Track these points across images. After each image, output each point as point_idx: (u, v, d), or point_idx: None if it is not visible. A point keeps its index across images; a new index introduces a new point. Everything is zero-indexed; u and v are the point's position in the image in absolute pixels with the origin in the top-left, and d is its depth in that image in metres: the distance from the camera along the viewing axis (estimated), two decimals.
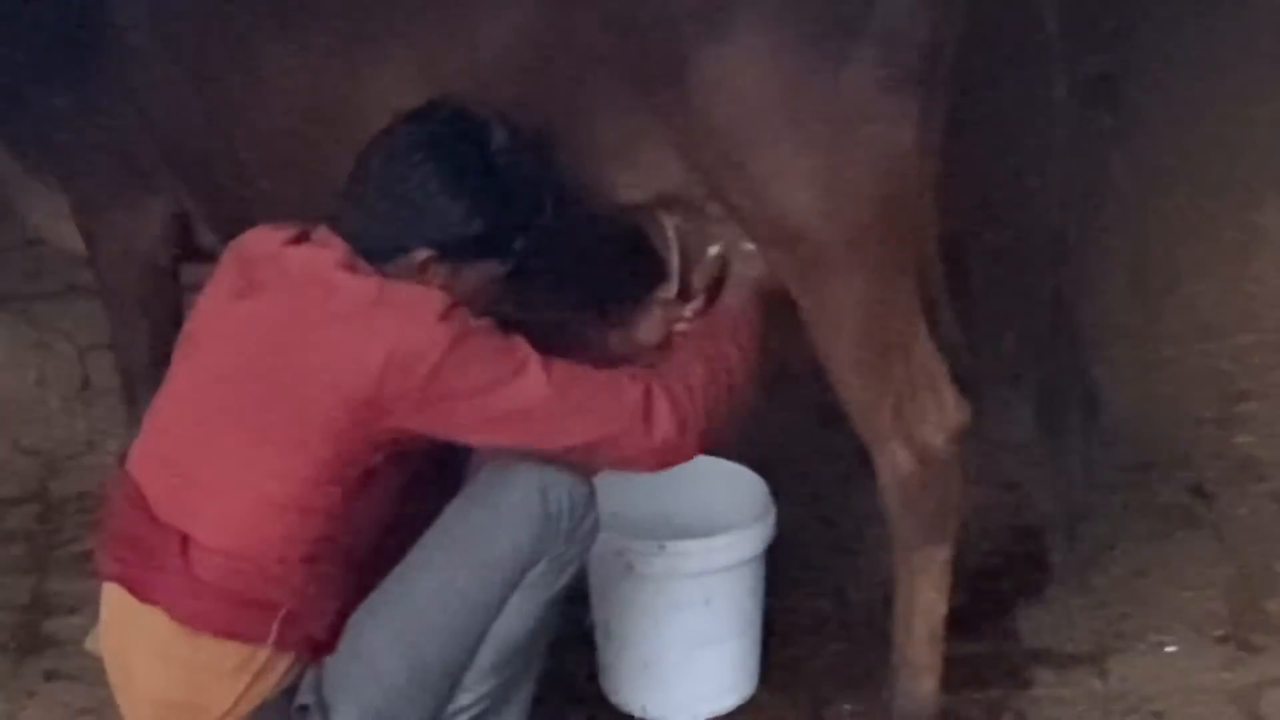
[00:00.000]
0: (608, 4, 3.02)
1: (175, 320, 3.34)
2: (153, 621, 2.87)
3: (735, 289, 3.20)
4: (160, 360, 3.21)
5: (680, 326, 3.22)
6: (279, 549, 2.86)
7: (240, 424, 2.87)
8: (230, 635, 2.85)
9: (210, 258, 3.22)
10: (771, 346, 3.23)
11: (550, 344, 2.99)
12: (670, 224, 3.19)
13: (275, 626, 2.85)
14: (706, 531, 3.45)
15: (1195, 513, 4.03)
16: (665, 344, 3.23)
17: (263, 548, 2.85)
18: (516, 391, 2.83)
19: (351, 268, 2.86)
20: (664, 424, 2.90)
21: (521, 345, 2.87)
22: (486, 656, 2.97)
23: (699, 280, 3.22)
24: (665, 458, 2.99)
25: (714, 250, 3.20)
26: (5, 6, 3.56)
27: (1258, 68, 4.47)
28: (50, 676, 3.64)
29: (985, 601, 3.60)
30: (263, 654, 2.87)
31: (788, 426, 3.61)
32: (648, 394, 2.91)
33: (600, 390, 2.92)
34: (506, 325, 2.95)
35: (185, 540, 2.84)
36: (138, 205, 3.63)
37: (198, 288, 3.16)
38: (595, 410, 2.91)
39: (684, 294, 3.25)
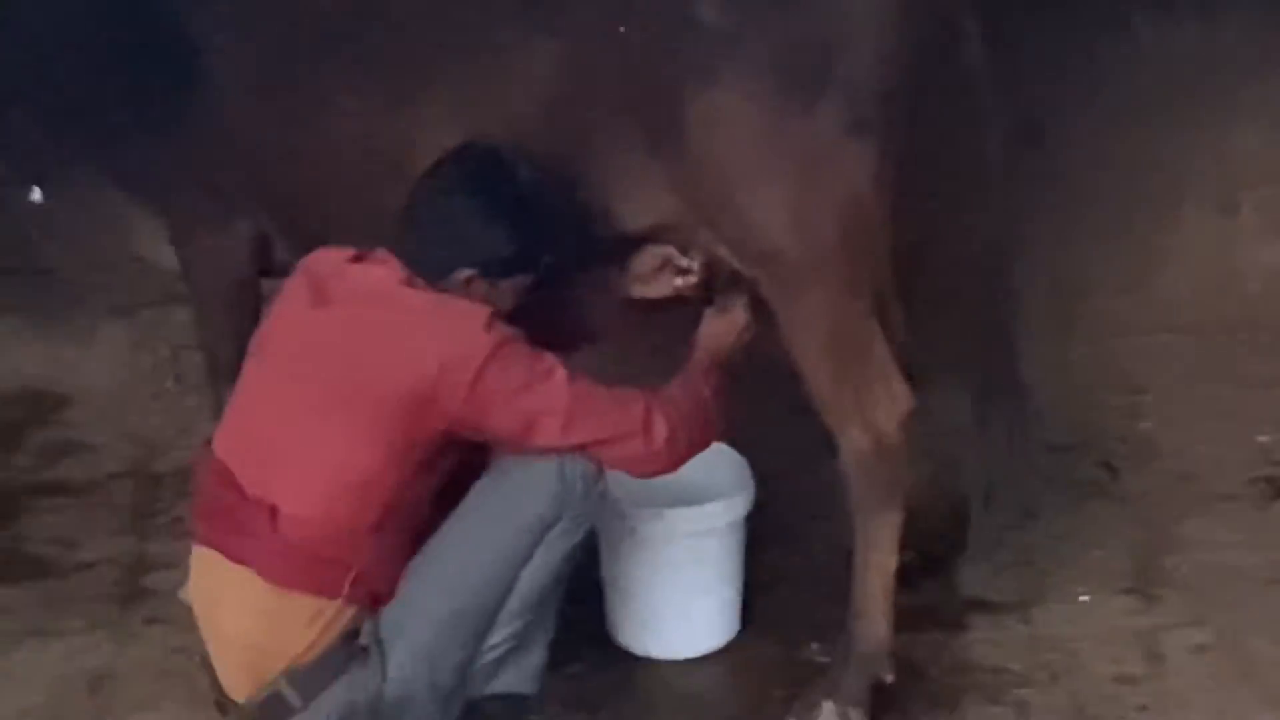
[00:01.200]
0: (615, 62, 3.15)
1: (255, 326, 3.33)
2: (243, 579, 3.01)
3: (711, 324, 3.38)
4: (240, 359, 3.26)
5: (682, 281, 3.36)
6: (352, 519, 3.00)
7: (316, 415, 3.01)
8: (310, 591, 3.00)
9: (285, 273, 3.30)
10: (755, 347, 3.38)
11: (569, 332, 3.26)
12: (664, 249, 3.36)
13: (347, 584, 3.00)
14: (698, 500, 3.55)
15: (1105, 486, 4.16)
16: (673, 298, 3.38)
17: (338, 518, 2.99)
18: (544, 392, 3.00)
19: (410, 284, 3.04)
20: (659, 436, 3.08)
21: (549, 356, 3.04)
22: (514, 602, 3.12)
23: (695, 253, 3.34)
24: (654, 465, 3.16)
25: (694, 260, 3.34)
26: (114, 64, 3.57)
27: (1157, 114, 4.56)
28: (149, 621, 3.70)
29: (928, 560, 3.64)
30: (334, 607, 3.01)
31: (766, 413, 3.68)
32: (649, 410, 3.09)
33: (611, 400, 3.10)
34: (539, 333, 3.09)
35: (273, 511, 2.99)
36: (225, 229, 3.68)
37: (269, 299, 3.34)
38: (606, 415, 3.07)
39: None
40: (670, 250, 3.37)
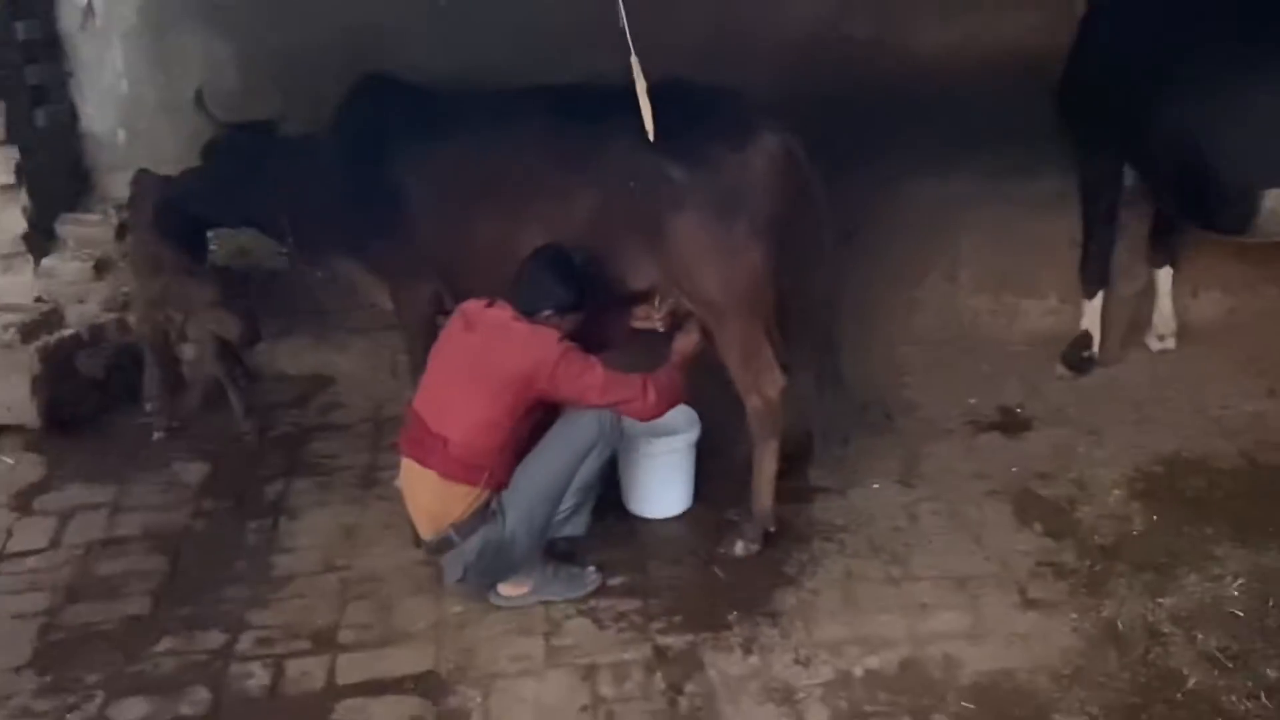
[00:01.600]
0: (628, 201, 3.17)
1: (433, 340, 3.23)
2: (427, 476, 3.02)
3: (676, 357, 3.25)
4: (426, 359, 3.20)
5: (657, 316, 3.30)
6: (487, 443, 2.99)
7: (467, 388, 3.00)
8: (464, 482, 3.00)
9: (449, 313, 3.27)
10: (704, 355, 3.30)
11: (601, 340, 3.17)
12: (656, 298, 3.32)
13: (484, 478, 3.01)
14: (670, 433, 3.50)
15: (886, 425, 4.01)
16: (653, 332, 3.32)
17: (479, 443, 2.99)
18: (589, 378, 2.99)
19: (517, 319, 3.02)
20: (650, 398, 3.04)
21: (591, 357, 3.01)
22: (574, 486, 3.11)
23: (664, 308, 3.31)
24: (649, 414, 3.08)
25: (669, 300, 3.29)
26: (365, 202, 3.53)
27: (914, 226, 4.40)
28: (378, 498, 3.66)
29: (792, 464, 3.54)
30: (477, 491, 3.01)
31: (707, 387, 3.45)
32: (645, 384, 3.04)
33: (625, 380, 3.04)
34: (585, 344, 3.05)
35: (444, 440, 2.99)
36: (418, 288, 3.62)
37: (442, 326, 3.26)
38: (622, 388, 3.03)
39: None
40: (654, 304, 3.32)
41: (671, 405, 3.18)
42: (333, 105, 3.64)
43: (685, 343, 3.30)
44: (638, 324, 3.37)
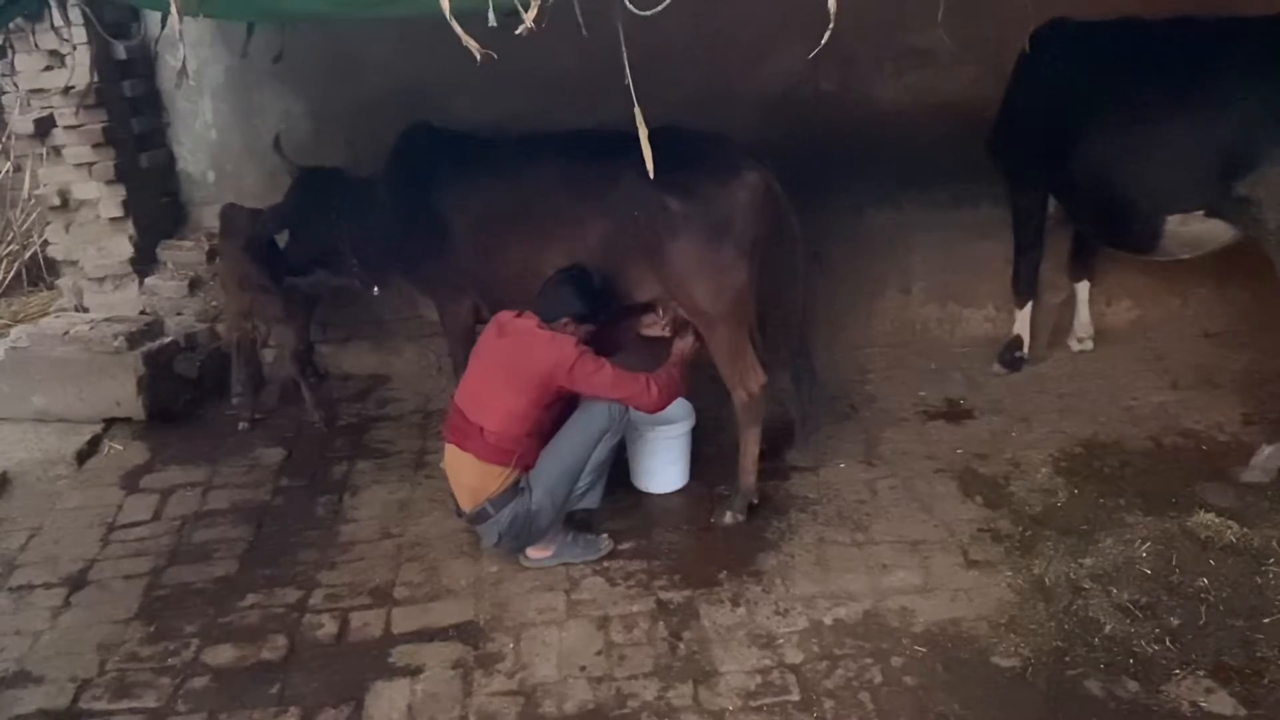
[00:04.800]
0: (634, 228, 3.14)
1: (472, 345, 3.21)
2: (466, 458, 3.01)
3: (676, 356, 3.20)
4: (465, 361, 3.20)
5: (656, 331, 3.26)
6: (517, 430, 2.98)
7: (501, 383, 2.98)
8: (498, 463, 2.98)
9: (485, 322, 3.26)
10: (699, 358, 3.28)
11: (611, 346, 3.12)
12: (658, 307, 3.29)
13: (514, 460, 2.99)
14: (671, 421, 3.45)
15: (850, 414, 3.92)
16: (650, 328, 3.26)
17: (510, 430, 2.97)
18: (601, 376, 2.96)
19: (541, 328, 3.01)
20: (654, 392, 3.00)
21: (603, 360, 2.97)
22: (589, 466, 3.08)
23: (666, 317, 3.28)
24: (653, 408, 3.04)
25: (672, 310, 3.25)
26: (411, 228, 3.51)
27: (875, 247, 4.32)
28: (427, 477, 3.63)
29: (773, 447, 3.54)
30: (509, 470, 3.00)
31: (701, 384, 3.49)
32: (648, 381, 3.01)
33: (632, 377, 3.01)
34: (598, 348, 3.02)
35: (481, 429, 2.98)
36: (459, 301, 3.60)
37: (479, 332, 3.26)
38: (629, 384, 2.99)
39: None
40: (657, 314, 3.30)
41: (672, 399, 3.14)
42: (388, 149, 3.63)
43: (683, 346, 3.27)
44: (645, 331, 3.35)
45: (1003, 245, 4.22)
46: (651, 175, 2.21)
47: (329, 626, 2.97)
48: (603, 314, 3.10)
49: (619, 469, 3.43)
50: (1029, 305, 4.24)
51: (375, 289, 3.81)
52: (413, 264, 3.65)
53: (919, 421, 3.94)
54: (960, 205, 4.38)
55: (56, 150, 4.08)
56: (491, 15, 1.89)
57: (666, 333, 3.30)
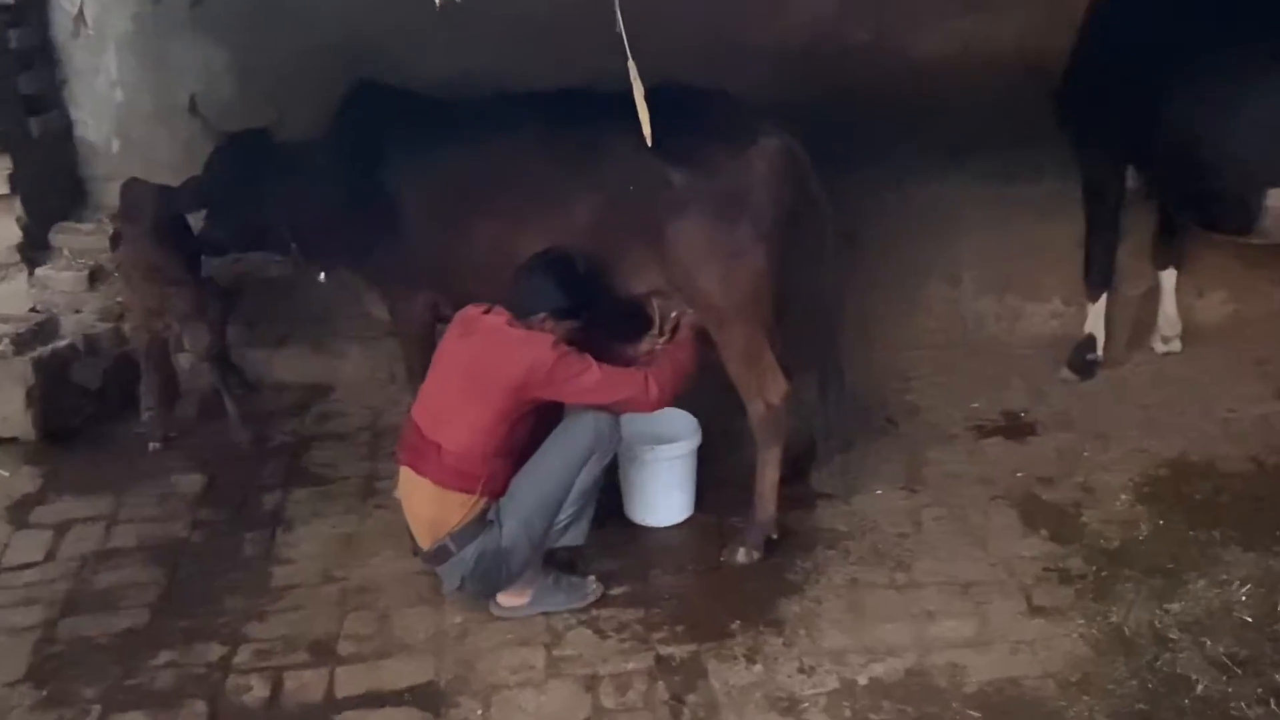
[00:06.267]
0: (627, 206, 3.16)
1: (431, 349, 3.25)
2: (424, 484, 3.01)
3: (683, 333, 3.26)
4: (424, 366, 3.21)
5: (657, 346, 3.27)
6: (481, 450, 2.98)
7: (461, 394, 2.99)
8: (460, 489, 2.99)
9: (447, 322, 3.24)
10: (706, 357, 3.29)
11: (600, 357, 3.08)
12: (655, 302, 3.29)
13: (480, 486, 2.99)
14: (671, 440, 3.51)
15: (889, 429, 4.01)
16: (650, 354, 3.27)
17: (474, 450, 2.97)
18: (585, 379, 2.97)
19: (513, 325, 3.01)
20: (654, 391, 3.03)
21: (588, 358, 2.99)
22: (573, 494, 3.07)
23: (667, 327, 3.29)
24: (653, 407, 3.08)
25: (674, 314, 3.27)
26: (358, 211, 3.51)
27: (914, 227, 4.38)
28: (377, 508, 3.66)
29: (795, 470, 3.57)
30: (474, 498, 2.99)
31: (708, 393, 3.45)
32: (645, 378, 3.04)
33: (624, 377, 3.04)
34: (582, 350, 3.02)
35: (439, 447, 2.98)
36: (414, 296, 3.59)
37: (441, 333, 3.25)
38: (621, 385, 3.02)
39: (660, 333, 3.30)
40: (657, 332, 3.31)
41: (678, 391, 3.13)
42: (329, 112, 3.62)
43: (691, 323, 3.25)
44: (641, 353, 3.32)
45: (1072, 226, 4.25)
46: (649, 142, 2.21)
47: (259, 689, 2.95)
48: (589, 309, 3.09)
49: (610, 497, 3.44)
50: (1104, 298, 4.27)
51: (321, 275, 3.80)
52: (357, 251, 3.65)
53: (971, 438, 3.98)
54: (1020, 177, 4.41)
55: None
56: None
57: (661, 348, 3.30)
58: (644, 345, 3.33)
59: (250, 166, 3.67)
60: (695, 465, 3.59)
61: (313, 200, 3.65)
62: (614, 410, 3.08)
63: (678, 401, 3.27)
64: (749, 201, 3.12)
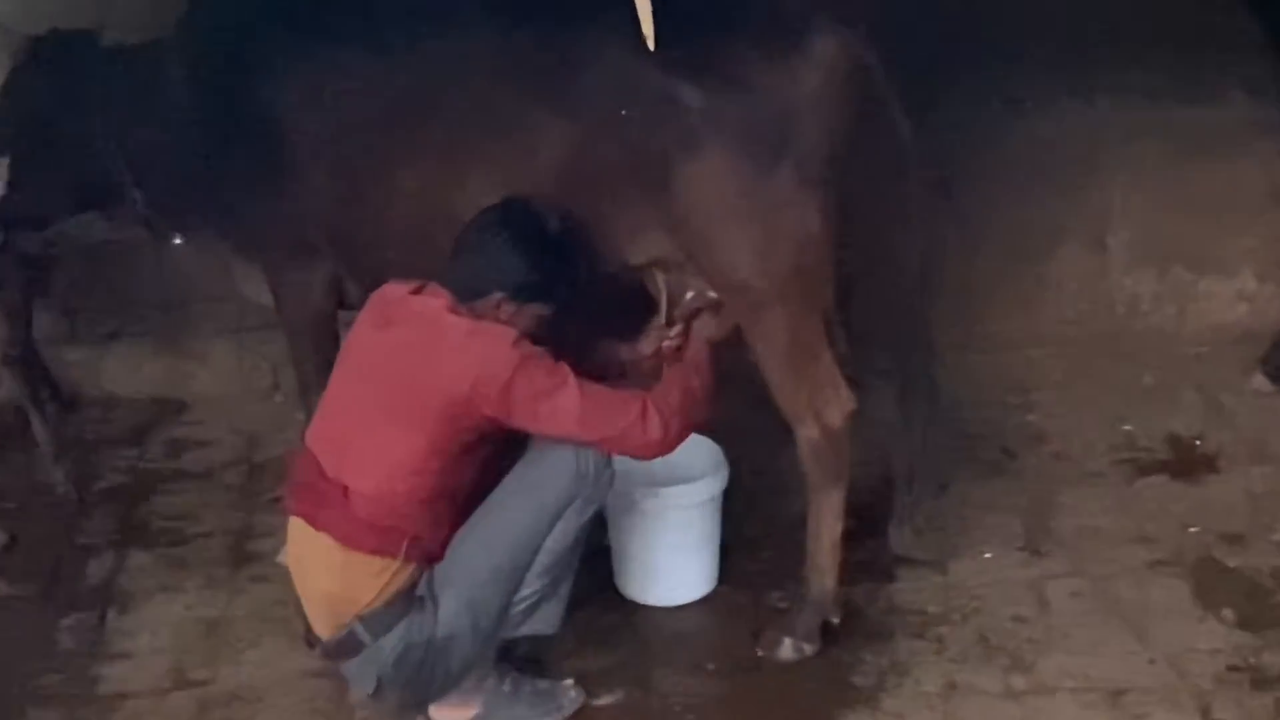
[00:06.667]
0: (618, 138, 3.13)
1: (334, 346, 3.32)
2: (323, 543, 2.99)
3: (700, 334, 3.28)
4: (323, 371, 3.25)
5: (666, 344, 3.30)
6: (406, 495, 2.96)
7: (380, 415, 2.97)
8: (374, 552, 2.96)
9: (357, 307, 3.25)
10: (724, 360, 3.32)
11: (582, 360, 3.08)
12: (660, 277, 3.31)
13: (404, 546, 2.97)
14: (684, 480, 3.53)
15: (1002, 466, 4.08)
16: (655, 355, 3.31)
17: (395, 494, 2.96)
18: (559, 400, 2.94)
19: (455, 311, 2.98)
20: (654, 428, 3.02)
21: (564, 369, 2.96)
22: (540, 562, 3.07)
23: (679, 315, 3.31)
24: (654, 451, 3.09)
25: (689, 295, 3.28)
26: (226, 150, 3.54)
27: (1041, 172, 4.50)
28: (254, 579, 3.67)
29: (865, 524, 3.58)
30: (395, 564, 2.98)
31: (736, 411, 3.56)
32: (644, 408, 3.01)
33: (614, 403, 3.02)
34: (557, 350, 3.02)
35: (345, 490, 2.96)
36: (309, 269, 3.62)
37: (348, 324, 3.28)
38: (610, 415, 3.00)
39: (669, 323, 3.33)
40: (657, 324, 3.35)
41: (688, 430, 3.17)
42: (174, 4, 3.63)
43: (707, 335, 3.31)
44: (639, 354, 3.39)
45: (1269, 165, 4.43)
46: (651, 46, 2.23)
47: None
48: (563, 287, 3.11)
49: (596, 564, 3.45)
50: None
51: (176, 238, 3.83)
52: (223, 207, 3.66)
53: (1121, 478, 4.02)
54: (1193, 98, 4.45)
55: None
56: None
57: (671, 345, 3.35)
58: (646, 344, 3.36)
59: (67, 83, 3.68)
60: (719, 517, 3.61)
61: (161, 132, 3.66)
62: (598, 448, 3.10)
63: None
64: (795, 132, 3.10)
